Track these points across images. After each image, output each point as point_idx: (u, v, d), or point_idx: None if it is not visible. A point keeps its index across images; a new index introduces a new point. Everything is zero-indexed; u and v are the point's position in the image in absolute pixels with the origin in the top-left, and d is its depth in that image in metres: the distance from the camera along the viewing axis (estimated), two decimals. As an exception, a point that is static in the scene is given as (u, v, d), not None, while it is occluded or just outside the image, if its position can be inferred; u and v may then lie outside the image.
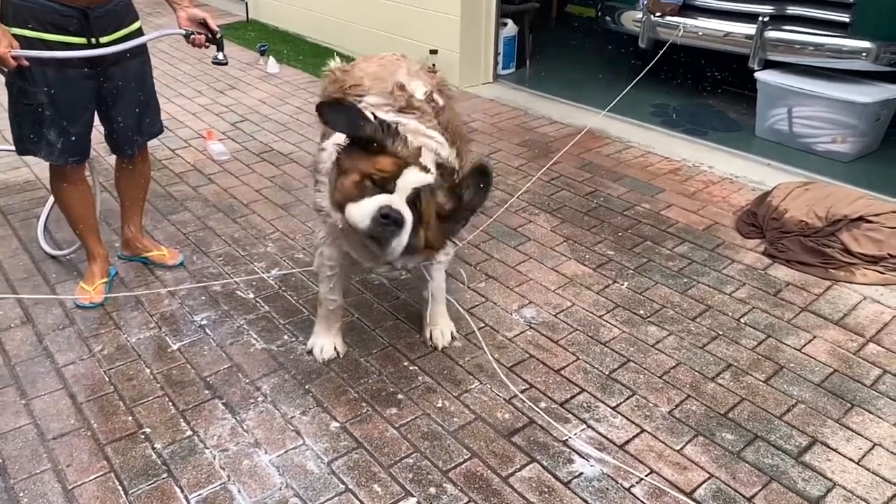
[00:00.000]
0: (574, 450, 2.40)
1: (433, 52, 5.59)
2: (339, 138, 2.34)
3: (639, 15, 5.42)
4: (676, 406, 2.59)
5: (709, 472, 2.32)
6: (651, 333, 2.96)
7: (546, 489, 2.26)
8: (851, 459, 2.37)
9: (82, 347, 2.87)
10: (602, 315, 3.08)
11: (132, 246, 3.37)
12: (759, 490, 2.26)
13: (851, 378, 2.72)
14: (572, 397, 2.63)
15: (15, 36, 2.61)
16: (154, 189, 3.79)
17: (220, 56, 3.01)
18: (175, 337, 2.93)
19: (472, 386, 2.68)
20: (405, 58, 2.94)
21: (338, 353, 2.81)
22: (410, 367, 2.77)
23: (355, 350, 2.86)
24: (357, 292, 3.20)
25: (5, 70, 2.66)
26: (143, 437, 2.45)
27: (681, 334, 2.96)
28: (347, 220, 2.20)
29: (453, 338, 2.90)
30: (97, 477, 2.29)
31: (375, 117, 2.23)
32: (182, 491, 2.25)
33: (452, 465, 2.34)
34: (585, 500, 2.22)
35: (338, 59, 3.01)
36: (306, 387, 2.67)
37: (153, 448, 2.40)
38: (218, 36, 2.97)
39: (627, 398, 2.62)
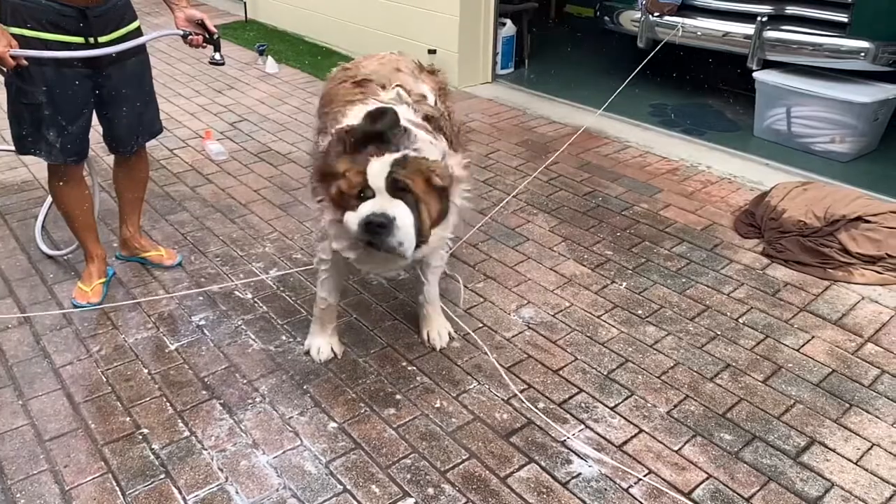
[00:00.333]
0: (572, 450, 2.40)
1: (432, 51, 5.60)
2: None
3: (637, 15, 5.41)
4: (675, 406, 2.59)
5: (707, 473, 2.32)
6: (649, 333, 2.96)
7: (544, 489, 2.25)
8: (850, 459, 2.37)
9: (80, 348, 2.86)
10: (600, 315, 3.07)
11: (130, 246, 3.37)
12: (758, 490, 2.25)
13: (850, 378, 2.72)
14: (570, 397, 2.62)
15: (13, 35, 2.61)
16: (152, 189, 3.79)
17: (217, 56, 3.04)
18: (173, 337, 2.93)
19: (471, 386, 2.68)
20: (404, 56, 2.93)
21: (335, 353, 2.81)
22: (409, 368, 2.77)
23: (353, 350, 2.86)
24: (355, 293, 3.20)
25: (4, 69, 2.66)
26: (140, 437, 2.44)
27: (679, 334, 2.95)
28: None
29: (451, 338, 2.89)
30: (95, 478, 2.29)
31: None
32: (180, 492, 2.24)
33: (450, 465, 2.34)
34: (583, 501, 2.22)
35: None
36: (304, 387, 2.67)
37: (151, 449, 2.40)
38: (215, 37, 2.98)
39: (626, 398, 2.62)
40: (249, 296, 3.19)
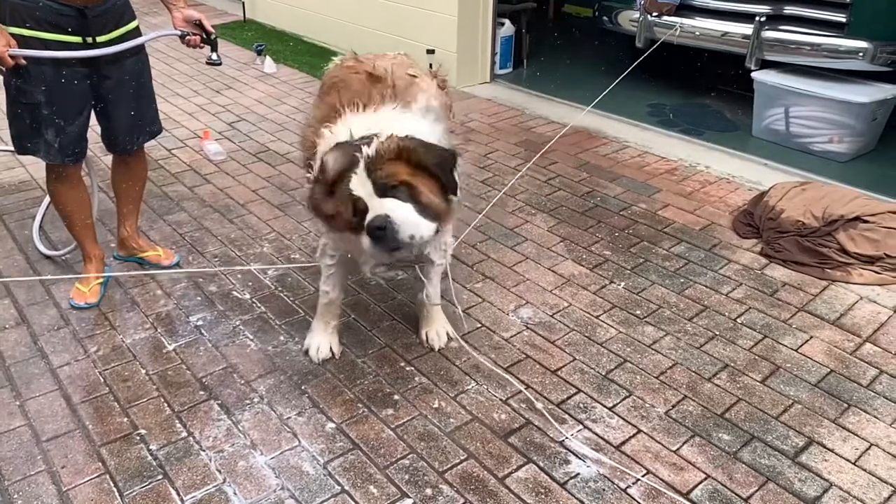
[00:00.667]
0: (570, 450, 2.40)
1: (430, 51, 5.59)
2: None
3: (636, 15, 5.41)
4: (673, 406, 2.58)
5: (705, 473, 2.32)
6: (648, 334, 2.96)
7: (542, 490, 2.25)
8: (848, 460, 2.37)
9: (77, 348, 2.86)
10: (599, 315, 3.07)
11: (128, 246, 3.37)
12: (756, 490, 2.25)
13: (848, 378, 2.72)
14: (569, 398, 2.62)
15: (12, 35, 2.62)
16: (150, 189, 3.78)
17: (214, 56, 3.05)
18: (170, 338, 2.93)
19: (469, 386, 2.67)
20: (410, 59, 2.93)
21: (333, 353, 2.80)
22: (407, 368, 2.77)
23: (352, 351, 2.86)
24: (354, 293, 3.20)
25: (3, 69, 2.66)
26: (138, 438, 2.44)
27: (677, 334, 2.95)
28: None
29: (450, 339, 2.89)
30: (92, 478, 2.29)
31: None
32: (177, 492, 2.24)
33: (449, 465, 2.34)
34: (582, 501, 2.21)
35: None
36: (302, 388, 2.67)
37: (148, 449, 2.40)
38: (212, 37, 2.98)
39: (624, 398, 2.62)
40: (247, 296, 3.19)
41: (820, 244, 3.44)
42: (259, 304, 3.13)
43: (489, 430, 2.48)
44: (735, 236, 3.67)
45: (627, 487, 2.27)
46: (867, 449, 2.41)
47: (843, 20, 4.48)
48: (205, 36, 2.98)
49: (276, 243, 3.60)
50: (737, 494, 2.24)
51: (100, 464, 2.34)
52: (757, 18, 4.73)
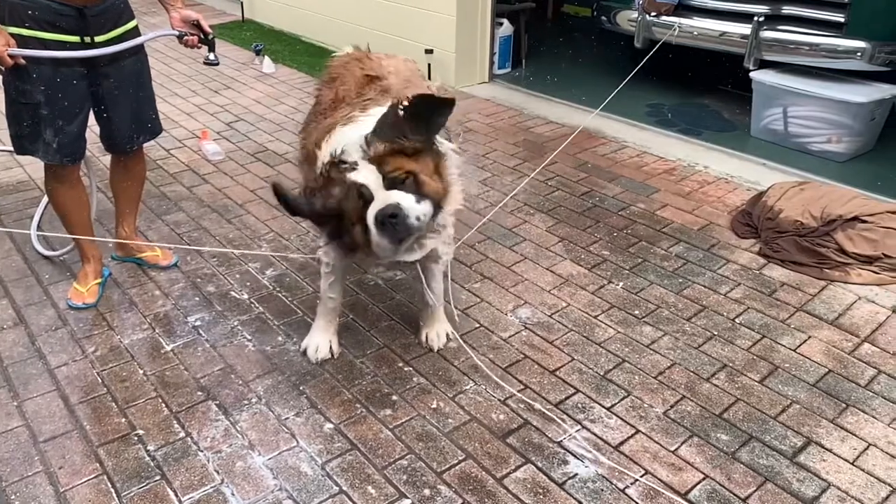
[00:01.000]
0: (569, 451, 2.40)
1: (429, 51, 5.59)
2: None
3: (634, 14, 5.41)
4: (671, 407, 2.58)
5: (704, 473, 2.31)
6: (646, 334, 2.96)
7: (541, 490, 2.25)
8: (846, 460, 2.37)
9: (75, 349, 2.86)
10: (597, 315, 3.07)
11: (126, 246, 3.36)
12: (754, 491, 2.25)
13: (846, 378, 2.72)
14: (567, 398, 2.62)
15: (12, 35, 2.62)
16: (148, 189, 3.78)
17: (211, 56, 3.06)
18: (168, 338, 2.92)
19: (467, 387, 2.67)
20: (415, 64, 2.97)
21: (332, 353, 2.80)
22: (405, 368, 2.77)
23: (350, 351, 2.85)
24: (352, 293, 3.19)
25: (2, 69, 2.66)
26: (135, 438, 2.44)
27: (676, 335, 2.95)
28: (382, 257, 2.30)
29: (449, 339, 2.89)
30: (90, 479, 2.28)
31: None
32: (175, 493, 2.24)
33: (447, 466, 2.34)
34: (580, 502, 2.21)
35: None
36: (300, 388, 2.66)
37: (146, 450, 2.39)
38: (210, 37, 2.98)
39: (622, 399, 2.62)
40: (246, 296, 3.18)
41: (818, 244, 3.44)
42: (257, 305, 3.13)
43: (487, 431, 2.47)
44: (733, 236, 3.67)
45: (626, 488, 2.26)
46: (865, 449, 2.41)
47: (842, 20, 4.49)
48: (202, 36, 2.98)
49: (275, 243, 3.60)
50: (735, 495, 2.24)
51: (97, 464, 2.34)
52: (755, 18, 4.73)
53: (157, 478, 2.29)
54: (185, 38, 2.96)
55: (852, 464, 2.36)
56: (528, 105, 5.44)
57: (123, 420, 2.51)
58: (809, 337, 2.94)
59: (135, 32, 2.94)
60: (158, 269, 3.35)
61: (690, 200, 4.03)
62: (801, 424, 2.51)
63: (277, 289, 3.24)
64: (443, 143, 2.39)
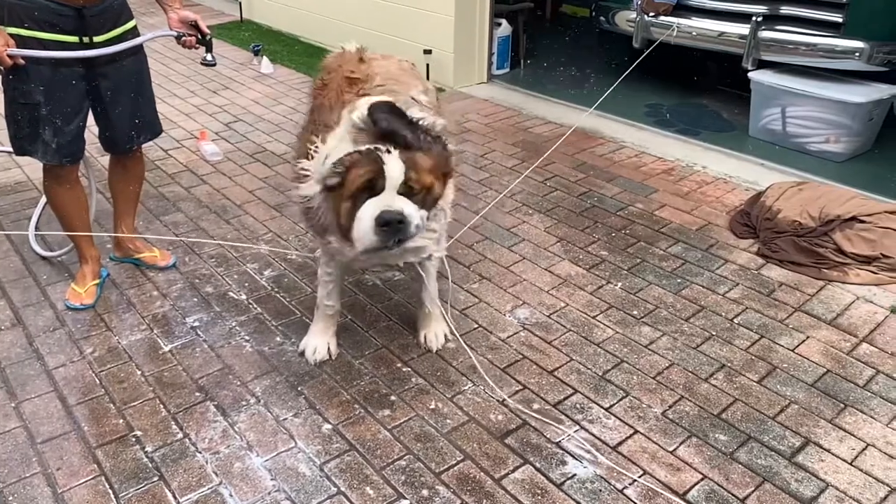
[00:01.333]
0: (567, 451, 2.40)
1: (427, 52, 5.59)
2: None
3: (633, 15, 5.41)
4: (670, 407, 2.58)
5: (702, 474, 2.31)
6: (644, 334, 2.96)
7: (539, 491, 2.25)
8: (844, 460, 2.37)
9: (73, 350, 2.85)
10: (595, 316, 3.07)
11: (124, 247, 3.36)
12: (753, 491, 2.25)
13: (844, 378, 2.72)
14: (565, 398, 2.62)
15: (11, 35, 2.63)
16: (146, 190, 3.78)
17: (209, 57, 3.06)
18: (167, 339, 2.92)
19: (466, 387, 2.67)
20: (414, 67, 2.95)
21: (330, 355, 2.80)
22: (403, 369, 2.77)
23: (348, 352, 2.85)
24: (350, 294, 3.19)
25: (1, 69, 2.66)
26: (133, 439, 2.43)
27: (674, 335, 2.95)
28: (357, 245, 2.23)
29: (447, 340, 2.89)
30: (87, 480, 2.28)
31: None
32: (173, 494, 2.23)
33: (445, 466, 2.34)
34: (578, 502, 2.21)
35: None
36: (298, 389, 2.66)
37: (144, 451, 2.39)
38: (207, 38, 2.98)
39: (621, 399, 2.62)
40: (244, 297, 3.18)
41: (816, 244, 3.44)
42: (255, 306, 3.13)
43: (486, 431, 2.47)
44: (732, 236, 3.67)
45: (624, 488, 2.26)
46: (864, 449, 2.41)
47: (840, 20, 4.49)
48: (200, 37, 2.98)
49: (273, 244, 3.59)
50: (733, 495, 2.24)
51: (95, 466, 2.33)
52: (753, 18, 4.73)
53: (156, 479, 2.29)
54: (183, 38, 2.96)
55: (850, 464, 2.36)
56: (526, 105, 5.44)
57: (121, 421, 2.51)
58: (808, 337, 2.94)
59: (134, 33, 2.94)
60: (156, 270, 3.35)
61: (689, 200, 4.03)
62: (800, 424, 2.51)
63: (276, 289, 3.24)
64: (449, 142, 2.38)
